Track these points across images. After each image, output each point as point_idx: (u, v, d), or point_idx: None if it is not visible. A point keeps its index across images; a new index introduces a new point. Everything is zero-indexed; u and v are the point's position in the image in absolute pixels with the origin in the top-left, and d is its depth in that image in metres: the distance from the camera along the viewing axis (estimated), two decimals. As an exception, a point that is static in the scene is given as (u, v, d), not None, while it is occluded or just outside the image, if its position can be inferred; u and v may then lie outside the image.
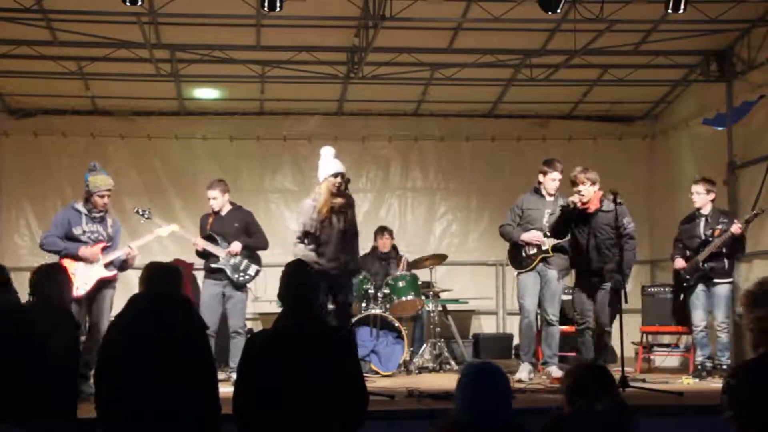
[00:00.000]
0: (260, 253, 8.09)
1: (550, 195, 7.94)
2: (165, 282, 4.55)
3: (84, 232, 7.04)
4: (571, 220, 7.49)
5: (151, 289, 4.53)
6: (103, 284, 7.05)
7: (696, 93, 10.75)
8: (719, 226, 7.93)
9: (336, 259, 7.00)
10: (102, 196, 7.05)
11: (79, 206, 7.11)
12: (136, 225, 8.80)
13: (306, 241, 7.09)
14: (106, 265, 7.07)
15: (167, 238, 9.14)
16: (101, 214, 7.14)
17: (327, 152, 7.15)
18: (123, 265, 7.24)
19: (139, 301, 4.47)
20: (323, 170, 7.11)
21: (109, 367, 4.33)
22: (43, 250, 7.21)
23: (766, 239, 9.08)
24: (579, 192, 7.41)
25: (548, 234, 7.80)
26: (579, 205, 7.42)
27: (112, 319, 5.14)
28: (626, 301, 6.97)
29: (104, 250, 7.09)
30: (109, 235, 7.18)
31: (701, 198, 8.07)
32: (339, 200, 7.01)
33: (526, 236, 7.85)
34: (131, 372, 4.19)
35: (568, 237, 7.68)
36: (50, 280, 5.06)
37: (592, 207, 7.44)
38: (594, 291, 7.51)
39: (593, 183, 7.43)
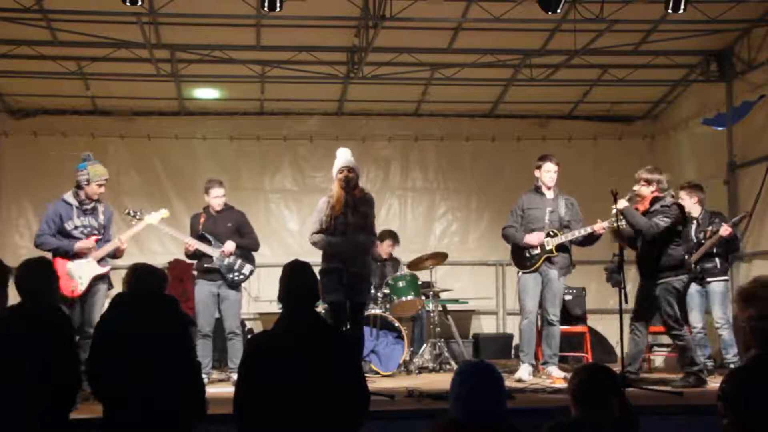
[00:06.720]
0: (259, 252, 8.07)
1: (548, 188, 7.89)
2: (149, 281, 4.55)
3: (76, 227, 7.00)
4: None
5: (135, 288, 4.52)
6: (96, 279, 7.04)
7: (696, 93, 10.75)
8: (710, 227, 8.08)
9: (349, 256, 6.72)
10: (100, 185, 7.05)
11: (70, 198, 7.05)
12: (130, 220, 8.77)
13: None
14: (100, 261, 7.05)
15: (168, 238, 9.14)
16: (92, 204, 7.09)
17: (339, 152, 7.07)
18: (114, 255, 7.22)
19: (124, 301, 4.47)
20: (333, 168, 7.05)
21: (102, 368, 4.33)
22: (39, 250, 7.18)
23: (767, 239, 9.08)
24: (633, 191, 7.39)
25: (551, 233, 7.80)
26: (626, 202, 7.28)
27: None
28: (626, 302, 6.93)
29: (97, 242, 7.05)
30: (100, 224, 7.13)
31: (684, 203, 8.07)
32: (351, 195, 6.87)
33: (529, 239, 7.82)
34: (123, 371, 4.19)
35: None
36: (35, 276, 4.59)
37: (641, 207, 7.35)
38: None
39: (647, 183, 7.34)
